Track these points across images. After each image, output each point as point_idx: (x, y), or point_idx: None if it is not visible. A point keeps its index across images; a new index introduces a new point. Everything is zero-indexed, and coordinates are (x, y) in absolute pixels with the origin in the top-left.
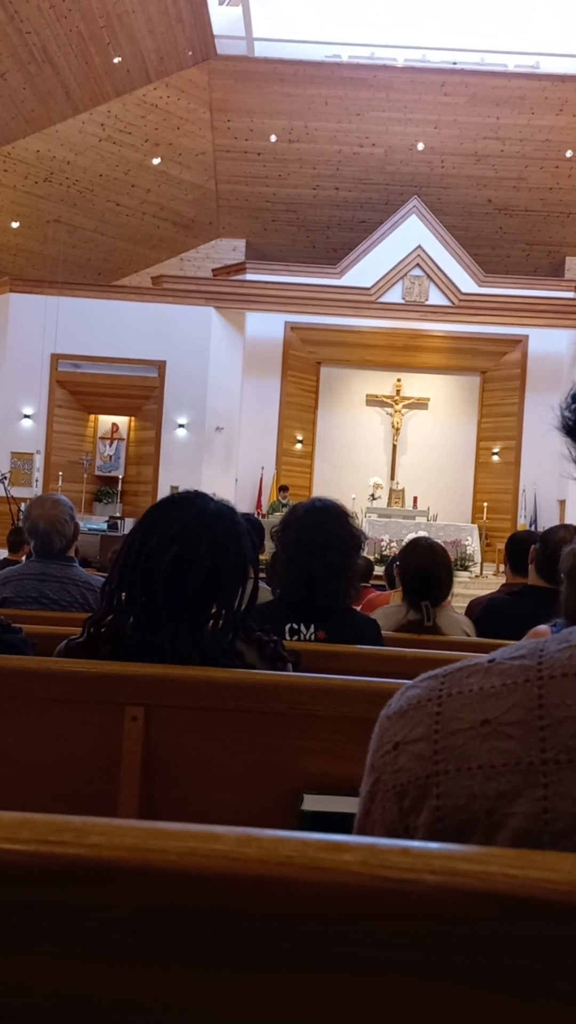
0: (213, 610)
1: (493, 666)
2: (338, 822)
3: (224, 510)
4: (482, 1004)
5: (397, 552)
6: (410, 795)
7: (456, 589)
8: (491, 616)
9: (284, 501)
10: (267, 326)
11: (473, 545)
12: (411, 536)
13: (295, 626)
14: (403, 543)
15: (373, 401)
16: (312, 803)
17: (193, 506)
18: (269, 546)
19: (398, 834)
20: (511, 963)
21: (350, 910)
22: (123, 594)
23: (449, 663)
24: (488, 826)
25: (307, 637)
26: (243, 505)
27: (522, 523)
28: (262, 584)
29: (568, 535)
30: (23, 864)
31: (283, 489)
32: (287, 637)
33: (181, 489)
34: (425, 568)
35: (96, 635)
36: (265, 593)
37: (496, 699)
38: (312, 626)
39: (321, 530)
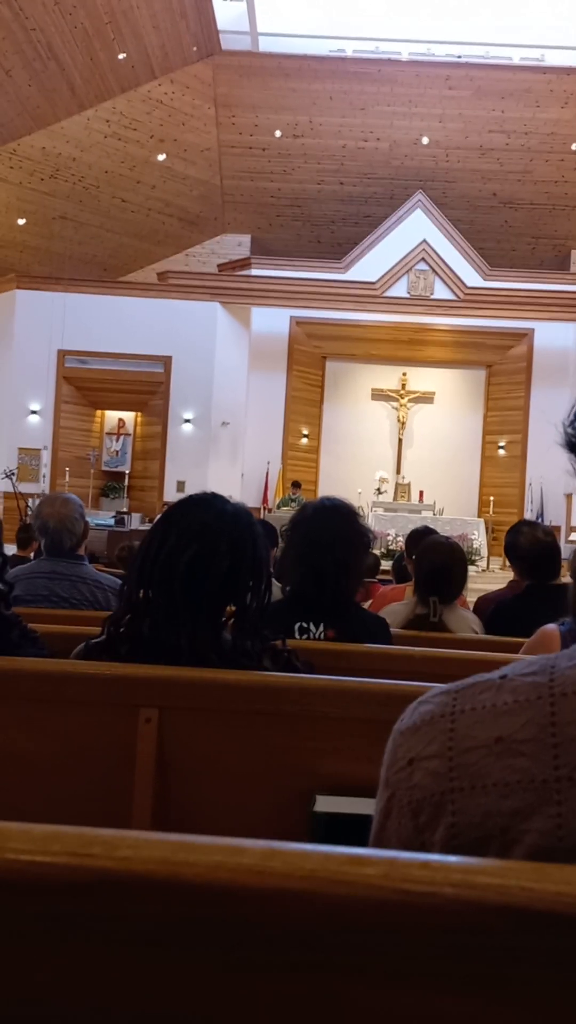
0: (230, 610)
1: (505, 682)
2: (350, 823)
3: (241, 511)
4: (498, 1013)
5: (405, 547)
6: (425, 811)
7: None
8: (500, 619)
9: (294, 497)
10: (272, 321)
11: (479, 539)
12: (411, 527)
13: (304, 624)
14: (406, 536)
15: (379, 395)
16: (324, 804)
17: (212, 507)
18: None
19: (414, 849)
20: (527, 974)
21: (371, 922)
22: (141, 593)
23: (456, 661)
24: (503, 843)
25: (317, 636)
26: (249, 500)
27: (529, 517)
28: (273, 583)
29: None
30: (53, 876)
31: (295, 485)
32: (296, 636)
33: (188, 484)
34: (441, 565)
35: (115, 634)
36: (275, 591)
37: (509, 716)
38: (321, 624)
39: (331, 528)
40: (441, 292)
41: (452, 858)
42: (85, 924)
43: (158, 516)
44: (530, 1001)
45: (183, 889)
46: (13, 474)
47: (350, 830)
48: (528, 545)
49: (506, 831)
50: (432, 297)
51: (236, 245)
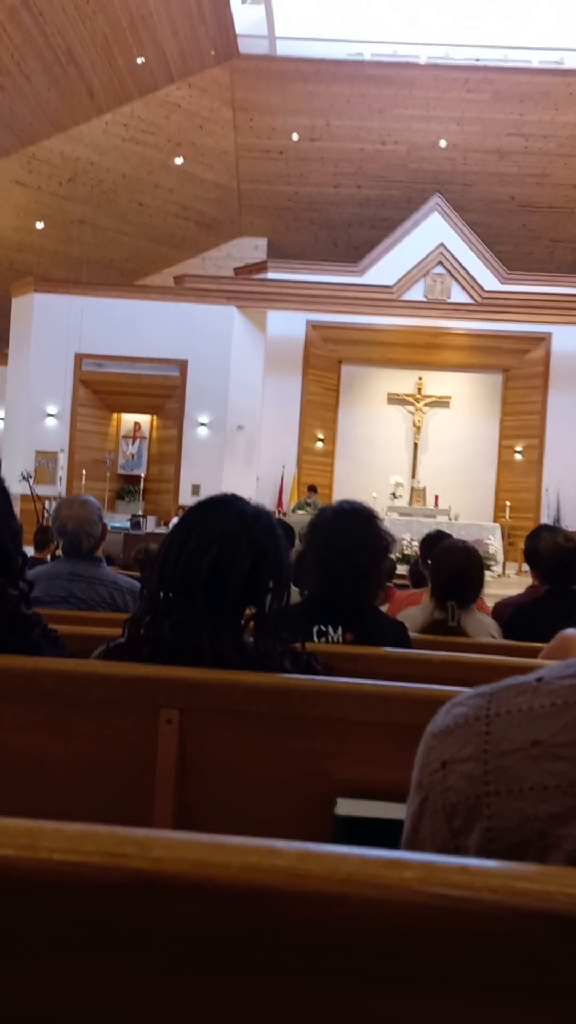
0: (250, 612)
1: (541, 685)
2: (371, 827)
3: (261, 513)
4: (536, 1020)
5: (420, 551)
6: (460, 815)
7: None
8: (519, 623)
9: (310, 501)
10: (288, 324)
11: (496, 544)
12: (426, 532)
13: (323, 628)
14: (420, 541)
15: (394, 399)
16: (345, 807)
17: (232, 508)
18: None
19: (448, 853)
20: (567, 981)
21: (409, 927)
22: (162, 595)
23: (476, 666)
24: (541, 848)
25: (335, 639)
26: (264, 503)
27: (545, 522)
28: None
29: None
30: (86, 876)
31: (312, 489)
32: (315, 639)
33: (203, 487)
34: (459, 569)
35: (136, 636)
36: (293, 594)
37: (546, 719)
38: (340, 628)
39: (349, 531)
40: (458, 296)
41: (492, 863)
42: (119, 925)
43: (174, 519)
44: (568, 1007)
45: (217, 891)
46: (30, 476)
47: (372, 834)
48: (548, 550)
49: (544, 836)
50: (449, 301)
51: (252, 248)
